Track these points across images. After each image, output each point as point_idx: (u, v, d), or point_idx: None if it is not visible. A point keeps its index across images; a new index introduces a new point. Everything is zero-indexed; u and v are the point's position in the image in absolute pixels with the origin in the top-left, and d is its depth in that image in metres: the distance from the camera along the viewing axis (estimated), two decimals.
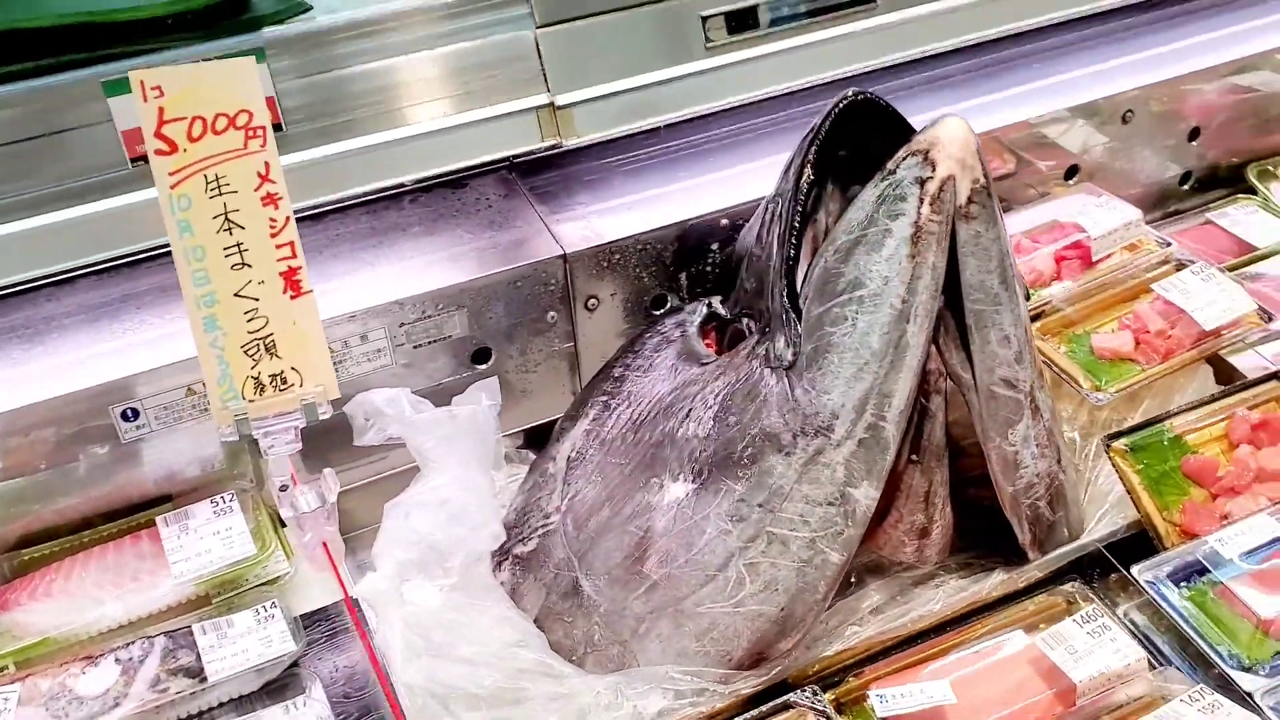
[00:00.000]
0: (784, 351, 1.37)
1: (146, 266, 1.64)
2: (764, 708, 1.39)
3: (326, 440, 1.60)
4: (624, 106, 1.64)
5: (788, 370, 1.36)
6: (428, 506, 1.52)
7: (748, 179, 1.80)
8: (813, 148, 1.38)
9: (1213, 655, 1.43)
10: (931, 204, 1.28)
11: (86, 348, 1.59)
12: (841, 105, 1.37)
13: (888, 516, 1.48)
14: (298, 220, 1.40)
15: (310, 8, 1.46)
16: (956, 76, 2.01)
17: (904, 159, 1.29)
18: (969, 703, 1.41)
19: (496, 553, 1.59)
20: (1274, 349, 1.84)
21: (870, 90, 1.37)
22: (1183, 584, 1.51)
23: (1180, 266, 1.86)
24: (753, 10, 1.64)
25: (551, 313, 1.74)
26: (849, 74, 1.76)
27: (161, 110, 1.27)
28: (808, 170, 1.39)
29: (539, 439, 1.79)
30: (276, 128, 1.48)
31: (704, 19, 1.63)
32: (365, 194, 1.59)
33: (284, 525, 1.63)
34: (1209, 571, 1.51)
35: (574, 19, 1.57)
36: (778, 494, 1.37)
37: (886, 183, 1.30)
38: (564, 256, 1.71)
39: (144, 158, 1.42)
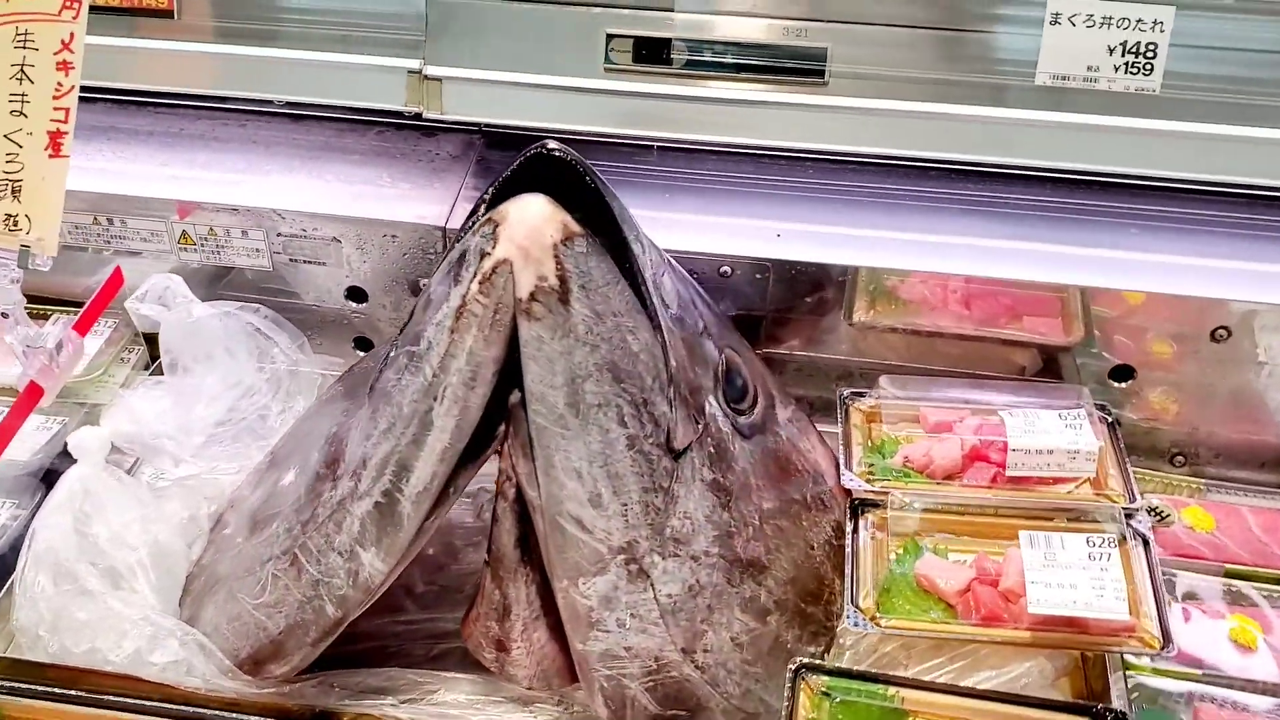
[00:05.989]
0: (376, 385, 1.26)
1: None
2: None
3: None
4: (504, 98, 1.54)
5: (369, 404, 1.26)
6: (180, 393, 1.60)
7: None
8: (490, 190, 1.23)
9: None
10: (481, 284, 1.11)
11: None
12: (528, 156, 1.20)
13: (470, 610, 1.33)
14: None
15: None
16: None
17: (482, 223, 1.12)
18: None
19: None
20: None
21: (570, 150, 1.18)
22: None
23: (1121, 541, 1.40)
24: (665, 42, 1.45)
25: (425, 280, 1.70)
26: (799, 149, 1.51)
27: None
28: (481, 209, 1.24)
29: None
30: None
31: (609, 37, 1.47)
32: (244, 100, 1.65)
33: None
34: None
35: None
36: (313, 520, 1.28)
37: (462, 242, 1.14)
38: (443, 229, 1.66)
39: None
